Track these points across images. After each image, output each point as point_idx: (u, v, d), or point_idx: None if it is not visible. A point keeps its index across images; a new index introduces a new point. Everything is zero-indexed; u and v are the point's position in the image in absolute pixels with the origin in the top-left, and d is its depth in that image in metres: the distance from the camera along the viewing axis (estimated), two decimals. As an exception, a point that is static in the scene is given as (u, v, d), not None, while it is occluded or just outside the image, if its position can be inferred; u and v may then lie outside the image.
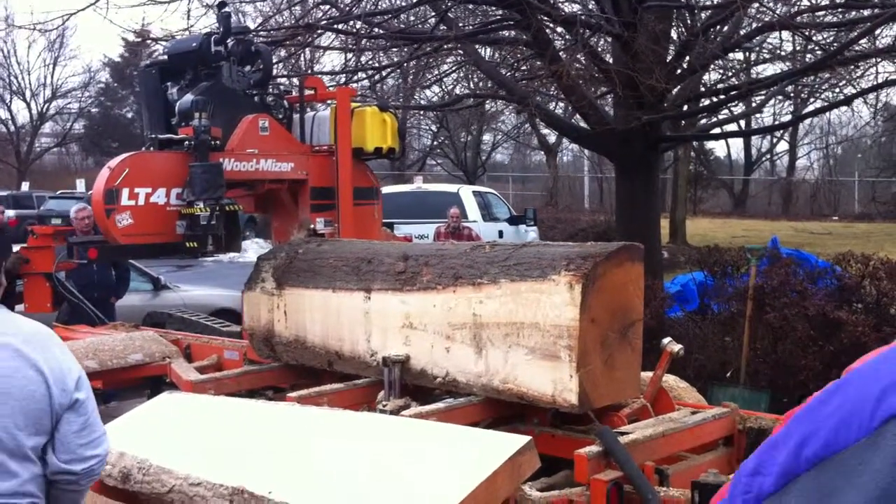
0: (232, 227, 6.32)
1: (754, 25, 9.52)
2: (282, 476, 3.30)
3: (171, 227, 6.15)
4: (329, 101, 7.22)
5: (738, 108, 15.17)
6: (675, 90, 9.03)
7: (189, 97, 6.34)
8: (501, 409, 4.37)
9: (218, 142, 6.25)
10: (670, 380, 4.85)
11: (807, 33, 9.37)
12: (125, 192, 5.93)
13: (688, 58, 8.63)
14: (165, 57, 7.06)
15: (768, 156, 43.18)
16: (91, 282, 8.27)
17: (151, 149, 6.45)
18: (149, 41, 11.46)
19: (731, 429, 4.23)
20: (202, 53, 6.57)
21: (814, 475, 1.08)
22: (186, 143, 6.16)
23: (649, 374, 4.58)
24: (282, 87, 8.12)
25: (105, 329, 7.33)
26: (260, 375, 5.41)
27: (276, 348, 5.24)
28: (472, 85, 16.17)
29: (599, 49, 9.67)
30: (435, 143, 37.51)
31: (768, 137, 39.67)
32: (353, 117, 6.84)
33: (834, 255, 8.75)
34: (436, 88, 18.44)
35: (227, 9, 6.91)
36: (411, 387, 4.57)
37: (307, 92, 7.19)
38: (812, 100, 16.58)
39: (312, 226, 6.71)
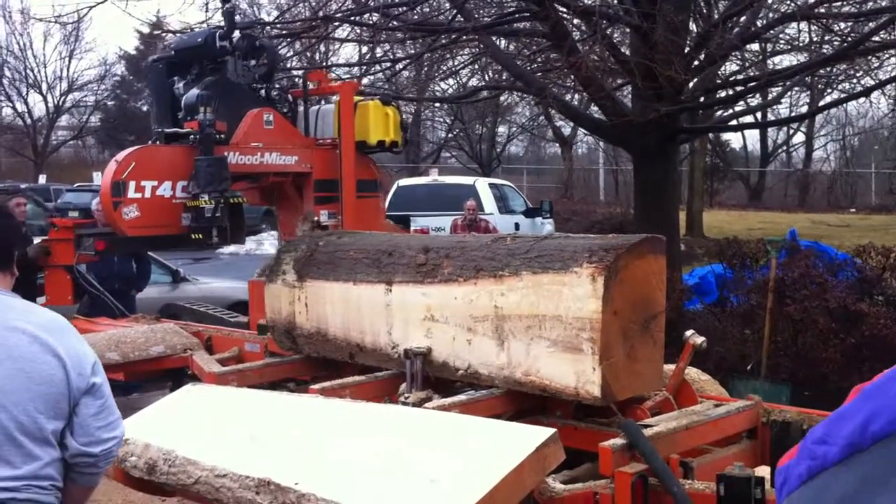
0: (236, 219, 6.41)
1: (773, 16, 9.48)
2: (307, 467, 3.31)
3: (177, 220, 6.25)
4: (333, 95, 7.28)
5: (755, 100, 15.09)
6: (693, 81, 9.00)
7: (194, 92, 6.41)
8: (523, 402, 4.37)
9: (223, 135, 6.32)
10: (692, 372, 4.84)
11: (826, 23, 9.31)
12: (132, 184, 6.04)
13: (706, 48, 8.59)
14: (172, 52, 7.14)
15: (784, 147, 42.96)
16: (111, 274, 8.32)
17: (158, 143, 6.52)
18: (165, 34, 11.49)
19: (755, 422, 4.22)
20: (207, 48, 6.68)
21: (878, 450, 1.07)
22: (191, 136, 6.23)
23: (670, 366, 4.57)
24: (294, 81, 8.17)
25: (126, 321, 7.38)
26: (282, 367, 5.44)
27: (297, 340, 5.26)
28: (486, 77, 16.13)
29: (616, 40, 9.63)
30: (450, 135, 37.47)
31: (784, 129, 39.46)
32: (357, 111, 6.89)
33: (854, 247, 8.71)
34: (450, 80, 18.42)
35: (230, 5, 6.97)
36: (433, 379, 4.58)
37: (310, 86, 7.25)
38: (828, 90, 16.46)
39: (316, 218, 6.81)
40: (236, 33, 6.85)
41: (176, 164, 6.25)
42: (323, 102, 7.36)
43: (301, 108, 7.23)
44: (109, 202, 6.02)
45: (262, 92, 6.94)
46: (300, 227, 6.92)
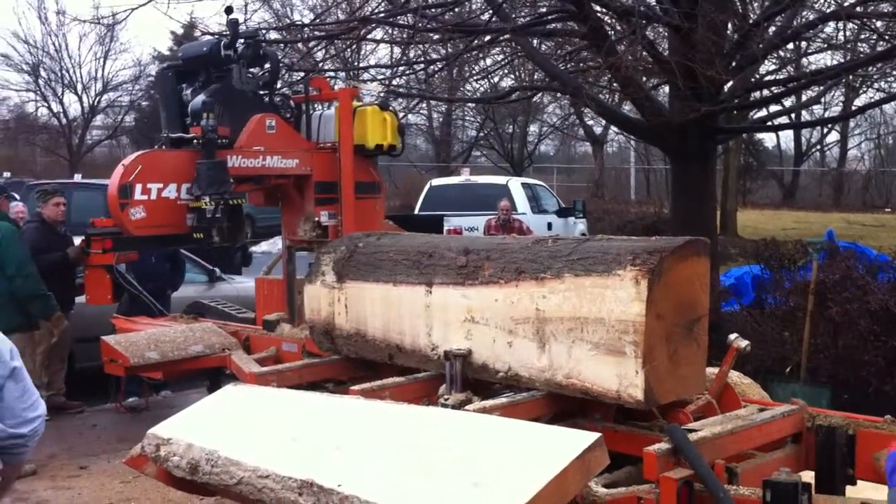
0: (235, 220, 6.62)
1: (811, 15, 9.36)
2: (349, 469, 3.30)
3: (182, 220, 6.54)
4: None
5: (789, 101, 14.88)
6: (732, 82, 8.89)
7: (200, 98, 6.69)
8: (564, 405, 4.35)
9: (226, 140, 6.56)
10: (734, 376, 4.78)
11: (864, 22, 9.21)
12: (138, 187, 6.32)
13: (746, 48, 8.49)
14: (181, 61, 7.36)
15: (818, 146, 42.48)
16: (146, 273, 8.43)
17: (164, 147, 6.76)
18: (202, 35, 11.58)
19: (800, 426, 4.16)
20: (212, 57, 6.97)
21: None
22: (195, 141, 6.46)
23: (711, 370, 4.53)
24: (297, 87, 8.34)
25: (165, 321, 7.44)
26: (321, 368, 5.46)
27: (336, 341, 5.27)
28: (517, 77, 16.05)
29: (653, 39, 9.55)
30: (480, 134, 37.41)
31: (819, 128, 39.02)
32: (355, 116, 7.07)
33: (894, 248, 8.60)
34: (482, 80, 18.37)
35: (234, 16, 7.19)
36: (472, 380, 4.57)
37: (312, 92, 7.46)
38: (863, 89, 16.22)
39: (317, 218, 6.97)
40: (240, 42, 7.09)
41: (180, 168, 6.53)
42: (326, 107, 7.56)
43: (304, 114, 7.46)
44: (117, 203, 6.30)
45: (266, 98, 7.16)
46: (301, 226, 7.11)
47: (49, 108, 38.58)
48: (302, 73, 10.22)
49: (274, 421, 3.95)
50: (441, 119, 37.21)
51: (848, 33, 11.39)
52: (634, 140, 33.26)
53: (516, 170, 33.12)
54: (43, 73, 37.55)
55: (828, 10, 8.48)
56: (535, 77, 12.62)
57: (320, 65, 10.75)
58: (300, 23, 10.06)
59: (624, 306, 3.90)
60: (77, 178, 29.95)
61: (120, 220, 6.39)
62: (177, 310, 8.44)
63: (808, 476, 3.93)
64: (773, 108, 12.58)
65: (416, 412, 3.85)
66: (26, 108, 39.97)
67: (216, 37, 7.50)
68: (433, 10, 8.69)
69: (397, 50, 12.65)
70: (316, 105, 7.68)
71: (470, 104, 29.46)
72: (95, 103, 39.04)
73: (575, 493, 3.22)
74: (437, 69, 10.72)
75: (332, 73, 11.57)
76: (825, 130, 40.08)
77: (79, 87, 38.31)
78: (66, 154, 37.43)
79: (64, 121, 38.15)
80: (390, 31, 10.73)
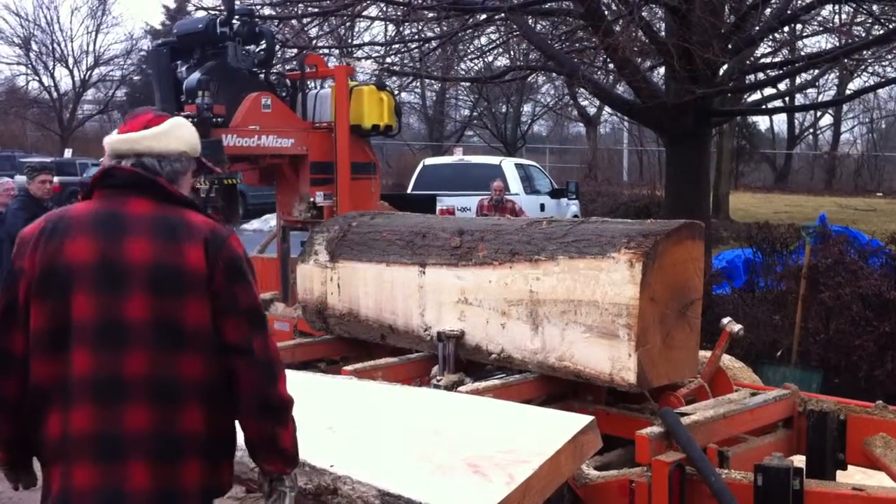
0: (230, 200, 6.56)
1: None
2: (342, 449, 3.29)
3: None
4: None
5: (783, 85, 14.81)
6: (728, 64, 8.86)
7: (195, 76, 6.64)
8: (556, 387, 4.35)
9: (221, 119, 6.51)
10: (725, 359, 4.79)
11: (863, 6, 9.18)
12: None
13: (744, 30, 8.45)
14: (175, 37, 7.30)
15: (811, 130, 42.47)
16: None
17: None
18: (196, 10, 11.48)
19: (792, 411, 4.17)
20: (208, 34, 6.91)
21: None
22: (190, 119, 6.40)
23: (703, 353, 4.53)
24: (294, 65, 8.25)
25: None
26: (313, 347, 5.44)
27: (328, 321, 5.25)
28: (511, 56, 15.97)
29: (650, 20, 9.49)
30: (474, 113, 37.28)
31: (811, 111, 38.98)
32: (352, 96, 7.04)
33: (887, 234, 8.61)
34: (476, 59, 18.25)
35: None
36: (464, 361, 4.56)
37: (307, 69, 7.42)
38: (857, 73, 16.20)
39: (312, 199, 6.92)
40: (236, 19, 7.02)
41: None
42: (322, 86, 7.50)
43: (300, 93, 7.41)
44: None
45: (262, 76, 7.10)
46: (296, 207, 7.06)
47: (40, 81, 38.39)
48: (295, 50, 10.14)
49: (266, 400, 3.93)
50: (434, 98, 37.07)
51: (844, 16, 11.36)
52: (628, 121, 33.18)
53: (509, 150, 33.04)
54: (34, 47, 37.36)
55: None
56: (531, 57, 12.54)
57: (314, 42, 10.68)
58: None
59: (618, 289, 3.89)
60: (68, 153, 29.83)
61: None
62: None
63: (799, 460, 3.95)
64: (768, 91, 12.55)
65: (409, 393, 3.84)
66: (17, 82, 39.76)
67: (211, 13, 7.44)
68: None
69: (392, 27, 12.55)
70: (310, 83, 7.61)
71: (464, 83, 29.31)
72: (87, 77, 38.87)
73: (568, 476, 3.22)
74: (431, 48, 10.64)
75: (325, 51, 11.49)
76: (818, 114, 40.05)
77: (70, 60, 38.13)
78: (58, 129, 37.23)
79: (55, 95, 37.94)
80: (385, 8, 10.66)
